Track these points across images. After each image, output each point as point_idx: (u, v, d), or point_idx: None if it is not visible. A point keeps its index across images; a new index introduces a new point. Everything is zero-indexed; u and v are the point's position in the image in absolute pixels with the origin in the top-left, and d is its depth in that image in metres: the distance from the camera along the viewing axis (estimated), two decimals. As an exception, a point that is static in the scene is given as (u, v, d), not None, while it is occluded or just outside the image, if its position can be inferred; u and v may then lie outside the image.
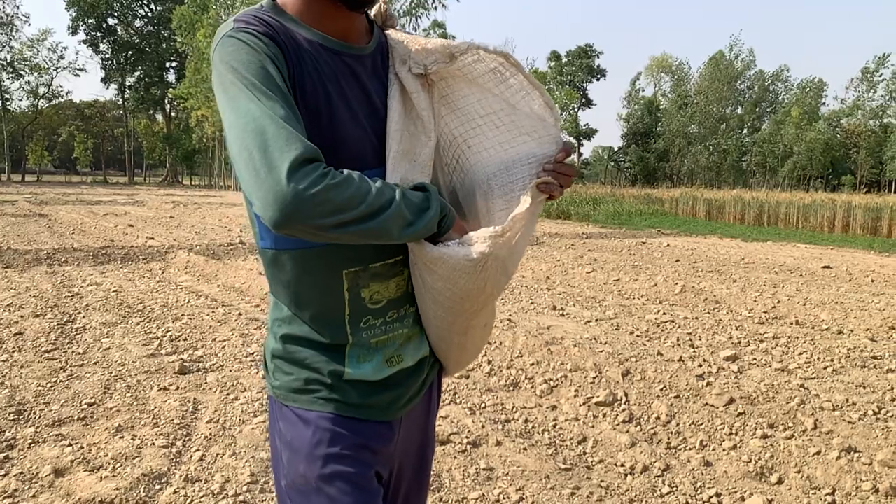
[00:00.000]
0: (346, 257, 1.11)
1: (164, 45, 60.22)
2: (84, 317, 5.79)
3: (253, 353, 4.77)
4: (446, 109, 1.23)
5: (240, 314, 6.06)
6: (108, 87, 65.12)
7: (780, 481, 3.05)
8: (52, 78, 58.66)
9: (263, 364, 1.25)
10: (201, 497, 2.75)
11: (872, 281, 9.25)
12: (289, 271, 1.13)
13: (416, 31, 31.16)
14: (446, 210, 1.09)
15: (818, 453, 3.28)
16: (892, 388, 4.25)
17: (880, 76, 51.31)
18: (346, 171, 0.94)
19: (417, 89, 1.16)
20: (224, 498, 2.74)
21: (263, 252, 1.16)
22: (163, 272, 8.51)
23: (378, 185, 0.97)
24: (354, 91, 1.11)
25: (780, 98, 61.80)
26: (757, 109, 61.95)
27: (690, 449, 3.37)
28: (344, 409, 1.14)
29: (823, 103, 58.40)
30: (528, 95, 1.19)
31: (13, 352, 4.66)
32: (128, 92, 62.60)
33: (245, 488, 2.82)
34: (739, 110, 62.82)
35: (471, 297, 1.12)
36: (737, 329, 5.88)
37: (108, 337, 5.16)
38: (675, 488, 2.98)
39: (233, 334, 5.32)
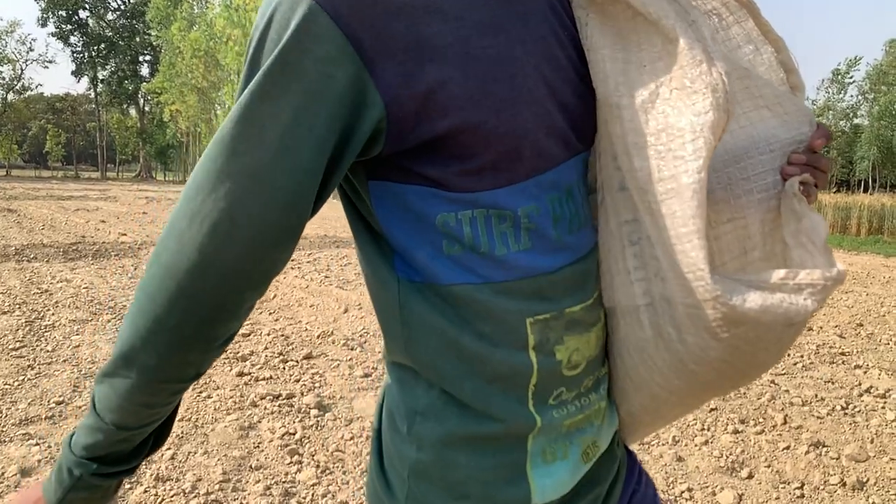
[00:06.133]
0: (532, 294, 0.71)
1: (137, 39, 59.33)
2: (53, 314, 5.68)
3: (226, 350, 4.72)
4: (637, 72, 0.73)
5: (214, 311, 5.98)
6: (79, 81, 64.08)
7: (750, 476, 3.09)
8: (22, 70, 57.52)
9: (380, 476, 0.80)
10: (172, 496, 2.71)
11: (841, 279, 9.43)
12: (444, 320, 0.70)
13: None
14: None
15: (788, 448, 3.34)
16: (860, 384, 4.33)
17: (851, 78, 52.25)
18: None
19: None
20: (195, 497, 2.71)
21: (395, 285, 0.73)
22: (135, 269, 8.38)
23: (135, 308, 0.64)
24: (525, 45, 0.68)
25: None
26: (731, 109, 62.76)
27: (663, 444, 3.41)
28: None
29: (795, 104, 59.38)
30: (757, 51, 0.82)
31: (-21, 350, 4.56)
32: (100, 86, 61.51)
33: (217, 487, 2.79)
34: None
35: (764, 367, 0.75)
36: (710, 326, 5.94)
37: (77, 334, 5.07)
38: (647, 483, 3.00)
39: (206, 332, 5.25)
